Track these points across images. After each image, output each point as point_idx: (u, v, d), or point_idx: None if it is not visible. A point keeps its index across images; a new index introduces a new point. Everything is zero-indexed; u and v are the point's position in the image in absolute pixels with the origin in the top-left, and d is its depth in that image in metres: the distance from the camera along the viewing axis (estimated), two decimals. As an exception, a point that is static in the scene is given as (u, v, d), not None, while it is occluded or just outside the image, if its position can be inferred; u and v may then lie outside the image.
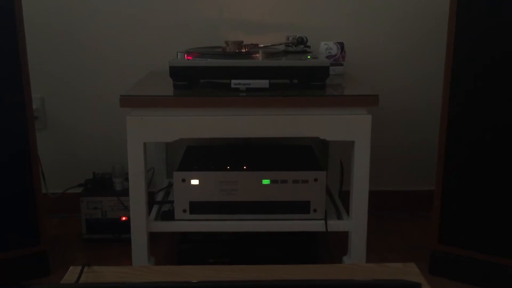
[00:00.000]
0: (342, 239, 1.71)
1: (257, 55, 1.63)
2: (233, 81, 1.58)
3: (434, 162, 1.70)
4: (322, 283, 0.75)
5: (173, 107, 1.55)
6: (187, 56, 1.66)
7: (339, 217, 1.73)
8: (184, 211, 1.66)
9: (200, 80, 1.67)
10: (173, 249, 1.85)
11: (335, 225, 1.67)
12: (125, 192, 1.86)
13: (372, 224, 1.69)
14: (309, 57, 1.69)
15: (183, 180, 1.64)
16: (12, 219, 1.66)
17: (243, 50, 1.69)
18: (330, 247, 1.70)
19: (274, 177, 1.65)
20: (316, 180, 1.65)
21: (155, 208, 1.77)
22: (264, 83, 1.58)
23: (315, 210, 1.66)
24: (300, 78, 1.66)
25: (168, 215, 1.69)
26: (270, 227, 1.67)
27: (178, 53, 1.67)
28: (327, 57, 1.87)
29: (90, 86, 2.13)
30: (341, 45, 1.91)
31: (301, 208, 1.66)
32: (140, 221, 1.61)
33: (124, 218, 1.96)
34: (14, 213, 1.66)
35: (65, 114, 2.15)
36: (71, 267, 0.97)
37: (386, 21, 2.10)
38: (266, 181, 1.65)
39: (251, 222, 1.66)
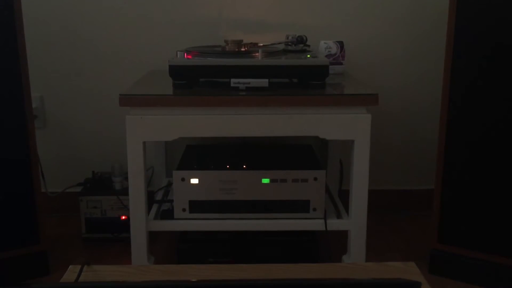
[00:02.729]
0: (341, 238, 1.71)
1: (257, 54, 1.63)
2: (232, 80, 1.58)
3: (434, 161, 1.70)
4: (322, 282, 0.75)
5: (172, 106, 1.55)
6: (186, 55, 1.66)
7: (339, 216, 1.73)
8: (184, 210, 1.65)
9: (199, 79, 1.67)
10: (173, 248, 1.85)
11: (334, 224, 1.67)
12: (124, 191, 1.86)
13: (372, 223, 1.69)
14: (308, 56, 1.69)
15: (183, 179, 1.64)
16: (11, 218, 1.66)
17: (243, 49, 1.69)
18: (330, 246, 1.70)
19: (273, 176, 1.65)
20: (315, 179, 1.64)
21: (154, 207, 1.77)
22: (263, 82, 1.57)
23: (314, 209, 1.66)
24: (299, 77, 1.66)
25: (168, 214, 1.69)
26: (269, 226, 1.67)
27: (178, 52, 1.67)
28: (326, 56, 1.87)
29: (89, 85, 2.13)
30: (341, 44, 1.91)
31: (300, 207, 1.66)
32: (139, 220, 1.61)
33: (123, 217, 1.96)
34: (14, 212, 1.66)
35: (64, 113, 2.15)
36: (70, 266, 0.96)
37: (386, 20, 2.10)
38: (265, 180, 1.65)
39: (250, 221, 1.66)
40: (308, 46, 1.81)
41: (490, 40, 1.55)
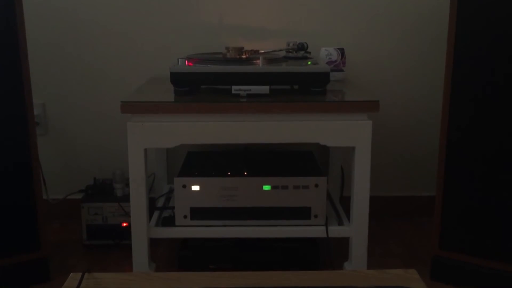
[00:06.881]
0: (343, 245, 1.71)
1: (258, 61, 1.63)
2: (233, 87, 1.58)
3: (435, 168, 1.70)
4: (323, 290, 0.75)
5: (174, 113, 1.56)
6: (187, 62, 1.66)
7: (340, 223, 1.73)
8: (185, 217, 1.65)
9: (201, 86, 1.68)
10: (174, 255, 1.85)
11: (336, 231, 1.67)
12: (126, 198, 1.86)
13: (373, 229, 1.68)
14: (309, 63, 1.69)
15: (184, 186, 1.64)
16: (12, 225, 1.66)
17: (244, 56, 1.70)
18: (331, 253, 1.70)
19: (274, 183, 1.65)
20: (316, 185, 1.64)
21: (155, 214, 1.77)
22: (264, 89, 1.58)
23: (316, 216, 1.66)
24: (300, 84, 1.66)
25: (169, 221, 1.69)
26: (270, 233, 1.67)
27: (179, 59, 1.67)
28: (327, 63, 1.88)
29: (91, 92, 2.13)
30: (342, 51, 1.91)
31: (302, 214, 1.66)
32: (140, 227, 1.61)
33: (124, 224, 1.96)
34: (15, 219, 1.66)
35: (66, 120, 2.15)
36: (71, 273, 0.97)
37: (387, 27, 2.11)
38: (266, 187, 1.65)
39: (251, 228, 1.66)
40: (309, 53, 1.81)
41: (492, 51, 1.55)
